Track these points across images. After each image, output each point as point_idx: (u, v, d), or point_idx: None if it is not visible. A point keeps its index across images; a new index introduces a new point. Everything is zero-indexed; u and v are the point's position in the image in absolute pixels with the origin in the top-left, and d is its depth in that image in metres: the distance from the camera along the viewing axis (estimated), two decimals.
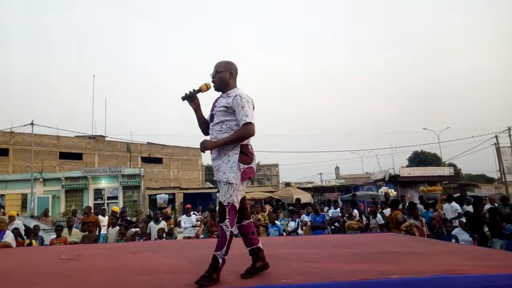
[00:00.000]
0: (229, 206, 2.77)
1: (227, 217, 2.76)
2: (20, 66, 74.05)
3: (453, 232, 8.01)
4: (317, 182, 49.44)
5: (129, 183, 26.39)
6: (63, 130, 29.66)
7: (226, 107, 2.85)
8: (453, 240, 7.53)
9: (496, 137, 30.56)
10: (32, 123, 23.47)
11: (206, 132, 3.04)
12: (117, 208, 12.28)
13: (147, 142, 35.51)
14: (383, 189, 17.79)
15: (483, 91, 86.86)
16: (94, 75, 35.40)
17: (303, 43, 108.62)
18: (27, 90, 69.75)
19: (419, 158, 48.14)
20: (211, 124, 2.93)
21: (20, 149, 29.36)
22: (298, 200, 14.66)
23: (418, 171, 32.63)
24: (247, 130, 2.79)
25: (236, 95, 2.84)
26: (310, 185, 41.50)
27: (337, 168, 59.12)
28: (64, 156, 31.24)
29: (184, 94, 2.97)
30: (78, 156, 31.84)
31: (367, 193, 22.56)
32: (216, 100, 2.98)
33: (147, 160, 34.47)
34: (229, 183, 2.78)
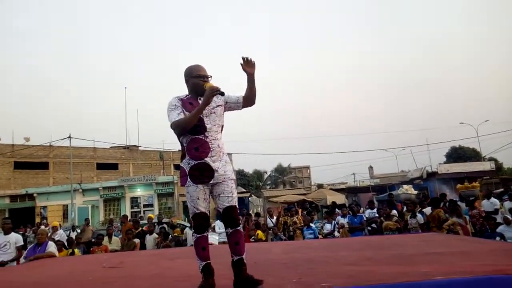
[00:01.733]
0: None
1: (240, 218, 2.79)
2: (56, 82, 77.25)
3: (498, 230, 7.66)
4: (351, 182, 48.64)
5: (163, 190, 26.93)
6: (99, 142, 30.65)
7: (220, 105, 2.89)
8: (498, 238, 7.20)
9: None
10: (69, 137, 24.41)
11: (186, 132, 2.78)
12: (152, 215, 12.54)
13: (179, 150, 36.07)
14: (406, 187, 16.85)
15: None
16: (125, 87, 36.46)
17: (335, 42, 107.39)
18: (64, 105, 72.66)
19: (457, 154, 46.39)
20: (211, 125, 2.79)
21: (59, 162, 30.61)
22: (333, 203, 14.47)
23: (457, 167, 31.46)
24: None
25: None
26: (343, 186, 40.88)
27: (370, 167, 58.09)
28: (100, 166, 32.32)
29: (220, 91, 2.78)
30: (113, 166, 32.85)
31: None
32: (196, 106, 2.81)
33: (179, 167, 35.02)
34: (235, 181, 2.85)
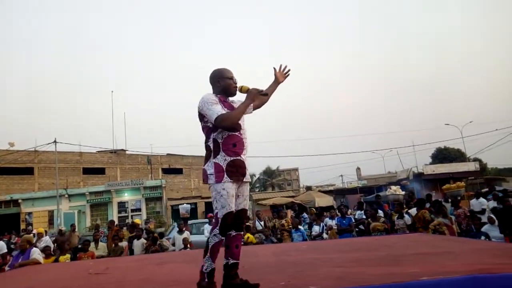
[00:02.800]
0: None
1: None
2: (41, 85, 76.16)
3: (483, 229, 7.79)
4: (339, 184, 48.92)
5: (151, 194, 26.71)
6: (85, 146, 30.27)
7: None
8: (483, 238, 7.32)
9: None
10: (55, 141, 24.03)
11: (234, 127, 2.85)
12: (139, 220, 12.38)
13: (167, 154, 35.93)
14: (394, 188, 16.94)
15: (505, 82, 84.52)
16: (112, 91, 35.98)
17: (320, 43, 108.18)
18: (50, 109, 71.61)
19: (443, 155, 47.07)
20: (243, 123, 2.91)
21: (44, 167, 30.11)
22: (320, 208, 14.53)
23: (443, 168, 31.94)
24: None
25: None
26: (331, 188, 41.11)
27: (358, 169, 58.46)
28: (87, 171, 31.89)
29: (263, 91, 2.97)
30: (100, 171, 32.45)
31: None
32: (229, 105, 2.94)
33: (167, 171, 34.85)
34: None
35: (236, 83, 2.97)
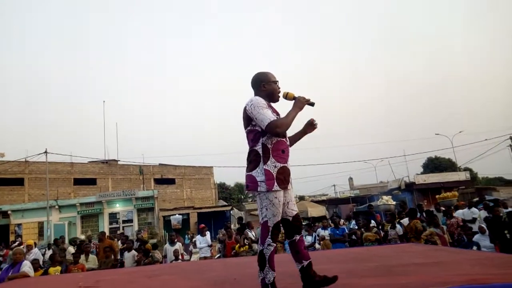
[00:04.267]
0: None
1: None
2: (31, 95, 75.72)
3: (474, 239, 7.84)
4: (331, 194, 49.01)
5: (143, 205, 26.50)
6: (76, 157, 30.03)
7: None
8: (475, 248, 7.37)
9: (511, 138, 30.07)
10: (46, 152, 23.83)
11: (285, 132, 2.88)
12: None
13: (159, 164, 35.75)
14: (385, 198, 17.01)
15: (494, 92, 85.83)
16: (104, 101, 35.87)
17: (314, 49, 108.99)
18: (40, 119, 71.07)
19: (434, 164, 47.50)
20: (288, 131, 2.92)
21: (35, 177, 29.79)
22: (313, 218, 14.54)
23: (434, 178, 32.18)
24: None
25: None
26: (324, 198, 41.14)
27: (350, 179, 58.58)
28: (78, 182, 31.58)
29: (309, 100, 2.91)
30: (92, 182, 32.16)
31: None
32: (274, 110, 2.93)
33: (160, 181, 34.65)
34: None
35: (280, 89, 2.94)
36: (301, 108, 2.82)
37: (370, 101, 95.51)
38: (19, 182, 29.68)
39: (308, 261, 2.78)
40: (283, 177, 2.70)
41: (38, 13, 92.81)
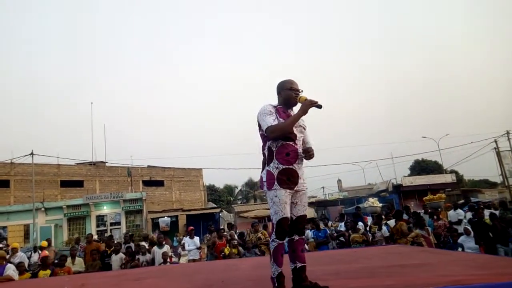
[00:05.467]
0: None
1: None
2: (17, 95, 74.62)
3: (459, 240, 7.97)
4: (320, 196, 49.18)
5: (131, 207, 26.29)
6: (63, 158, 29.64)
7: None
8: (460, 249, 7.49)
9: (496, 141, 30.58)
10: (32, 153, 23.49)
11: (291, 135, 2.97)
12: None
13: (148, 166, 35.50)
14: (372, 200, 17.15)
15: (479, 96, 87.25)
16: (92, 102, 35.53)
17: (310, 52, 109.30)
18: (26, 120, 70.04)
19: (421, 167, 48.02)
20: (300, 134, 3.01)
21: (21, 179, 29.32)
22: None
23: (421, 180, 32.56)
24: None
25: None
26: (313, 200, 41.28)
27: (339, 181, 58.87)
28: (65, 184, 31.16)
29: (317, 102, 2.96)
30: (79, 184, 31.76)
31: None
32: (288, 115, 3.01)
33: (148, 183, 34.40)
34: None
35: (297, 94, 3.06)
36: (304, 112, 2.92)
37: (359, 104, 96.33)
38: (5, 184, 29.18)
39: (301, 264, 2.87)
40: (286, 178, 2.85)
41: (25, 13, 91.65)
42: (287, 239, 2.93)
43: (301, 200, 2.95)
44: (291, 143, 2.92)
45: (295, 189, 2.88)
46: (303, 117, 2.97)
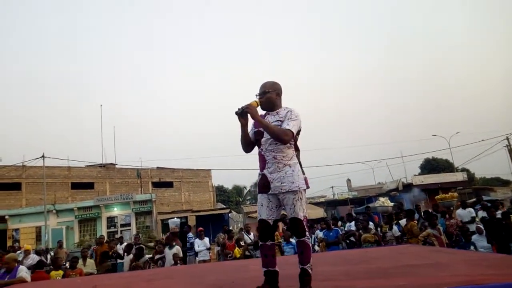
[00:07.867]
0: (305, 219, 2.93)
1: (306, 229, 2.92)
2: (28, 102, 75.55)
3: (471, 239, 7.87)
4: (329, 195, 48.92)
5: (141, 209, 26.43)
6: (73, 161, 29.92)
7: (280, 120, 2.97)
8: (472, 248, 7.39)
9: (507, 139, 30.18)
10: (43, 156, 23.76)
11: (246, 149, 3.07)
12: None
13: (157, 167, 35.69)
14: (382, 200, 16.99)
15: (490, 93, 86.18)
16: (101, 105, 35.93)
17: (314, 51, 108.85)
18: (37, 124, 70.89)
19: (431, 165, 47.59)
20: (265, 139, 2.96)
21: (32, 182, 29.68)
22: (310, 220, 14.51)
23: (431, 179, 32.22)
24: (285, 133, 2.86)
25: (288, 111, 3.00)
26: (322, 199, 41.13)
27: (348, 180, 58.57)
28: (75, 186, 31.49)
29: (237, 109, 2.92)
30: (89, 186, 32.07)
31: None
32: (264, 118, 3.02)
33: (157, 184, 34.59)
34: (302, 190, 2.89)
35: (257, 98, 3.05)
36: (240, 121, 2.99)
37: (368, 103, 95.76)
38: (17, 186, 29.58)
39: (300, 267, 2.86)
40: (261, 183, 2.99)
41: (32, 13, 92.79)
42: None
43: (287, 202, 2.91)
44: (259, 149, 3.04)
45: (270, 192, 2.92)
46: (275, 114, 3.02)
